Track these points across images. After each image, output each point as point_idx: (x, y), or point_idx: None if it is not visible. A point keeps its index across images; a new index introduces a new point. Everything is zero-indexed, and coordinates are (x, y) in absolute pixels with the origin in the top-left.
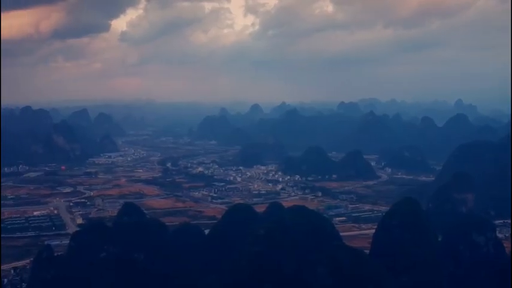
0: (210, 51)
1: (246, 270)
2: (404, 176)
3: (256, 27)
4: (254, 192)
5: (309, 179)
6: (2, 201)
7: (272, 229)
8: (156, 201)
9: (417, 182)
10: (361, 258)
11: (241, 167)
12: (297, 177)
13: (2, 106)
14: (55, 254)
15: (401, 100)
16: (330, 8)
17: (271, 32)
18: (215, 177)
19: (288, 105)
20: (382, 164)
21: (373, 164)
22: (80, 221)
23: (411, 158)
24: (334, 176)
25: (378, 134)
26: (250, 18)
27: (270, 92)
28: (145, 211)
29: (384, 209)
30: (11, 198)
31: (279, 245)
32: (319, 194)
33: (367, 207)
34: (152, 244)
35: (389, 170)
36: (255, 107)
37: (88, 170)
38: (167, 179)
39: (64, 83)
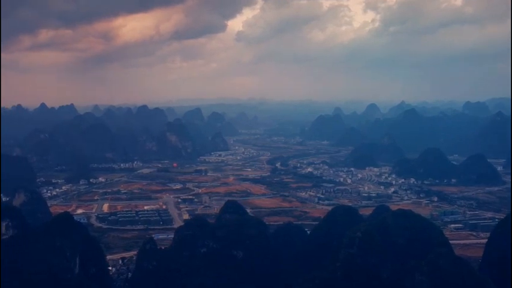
0: (327, 49)
1: (340, 271)
2: None
3: (377, 23)
4: (364, 194)
5: (425, 182)
6: (116, 195)
7: (369, 232)
8: (262, 200)
9: None
10: (466, 268)
11: (352, 168)
12: (412, 180)
13: (121, 105)
14: (160, 247)
15: None
16: (458, 1)
17: (392, 29)
18: (324, 178)
19: (407, 105)
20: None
21: (499, 168)
22: (186, 216)
23: None
24: (453, 180)
25: (506, 136)
26: (370, 15)
27: (389, 91)
28: (250, 210)
29: None
30: (124, 193)
31: (375, 248)
32: (435, 198)
33: (488, 214)
34: (251, 242)
35: None
36: (372, 107)
37: (198, 168)
38: (275, 179)
39: (181, 82)
